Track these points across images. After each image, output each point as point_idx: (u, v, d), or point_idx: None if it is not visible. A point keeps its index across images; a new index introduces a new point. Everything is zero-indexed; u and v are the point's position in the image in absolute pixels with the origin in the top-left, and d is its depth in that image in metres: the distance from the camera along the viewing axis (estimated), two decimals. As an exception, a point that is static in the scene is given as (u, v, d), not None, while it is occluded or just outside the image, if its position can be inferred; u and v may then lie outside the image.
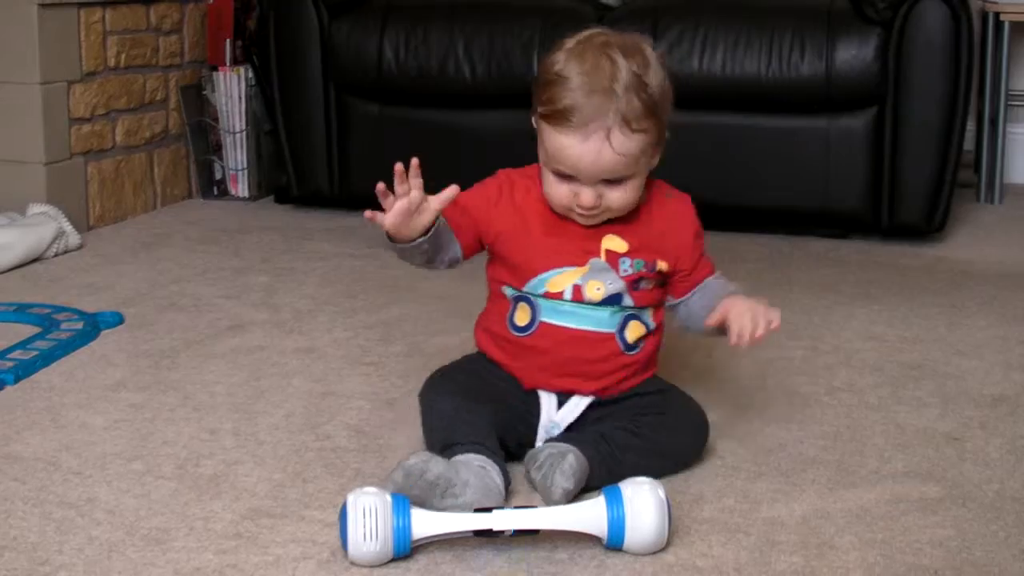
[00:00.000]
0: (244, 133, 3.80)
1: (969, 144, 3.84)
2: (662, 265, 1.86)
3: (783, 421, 2.05)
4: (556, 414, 1.86)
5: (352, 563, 1.54)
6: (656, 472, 1.72)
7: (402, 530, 1.54)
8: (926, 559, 1.58)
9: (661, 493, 1.58)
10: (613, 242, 1.84)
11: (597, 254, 1.83)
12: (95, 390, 2.18)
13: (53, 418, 2.04)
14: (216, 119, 3.82)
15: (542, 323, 1.84)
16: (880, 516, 1.70)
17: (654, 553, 1.58)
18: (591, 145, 1.73)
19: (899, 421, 2.06)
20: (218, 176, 3.87)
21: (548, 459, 1.71)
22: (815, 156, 3.28)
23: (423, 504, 1.61)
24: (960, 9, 3.16)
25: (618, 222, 1.84)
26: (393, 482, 1.63)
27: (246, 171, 3.83)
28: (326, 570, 1.54)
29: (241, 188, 3.85)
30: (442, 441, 1.74)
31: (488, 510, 1.56)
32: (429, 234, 1.76)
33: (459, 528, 1.56)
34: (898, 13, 3.18)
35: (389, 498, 1.55)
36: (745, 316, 1.79)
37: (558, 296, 1.83)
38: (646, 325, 1.87)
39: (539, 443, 1.84)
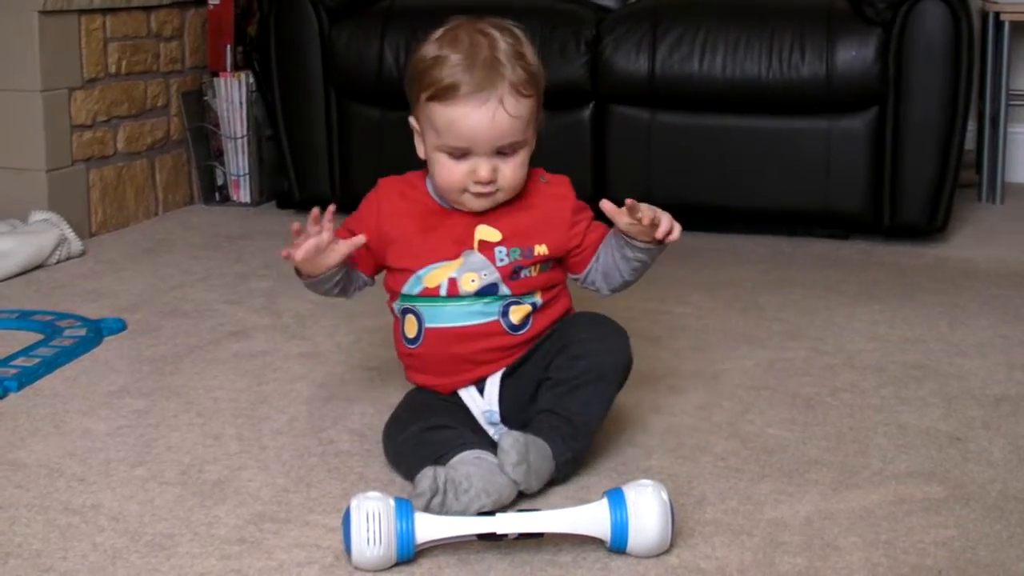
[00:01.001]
0: (245, 139, 3.80)
1: (970, 144, 3.84)
2: (541, 249, 1.86)
3: (786, 422, 2.05)
4: (482, 401, 1.88)
5: (356, 567, 1.54)
6: (603, 396, 1.78)
7: (406, 534, 1.54)
8: (930, 559, 1.58)
9: (664, 495, 1.58)
10: (486, 232, 1.85)
11: (470, 246, 1.85)
12: (98, 396, 2.18)
13: (56, 425, 2.05)
14: (217, 125, 3.82)
15: (427, 329, 1.87)
16: (884, 517, 1.70)
17: (658, 555, 1.58)
18: (486, 110, 1.77)
19: (902, 421, 2.06)
20: (220, 182, 3.87)
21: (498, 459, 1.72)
22: (816, 157, 3.28)
23: (448, 511, 1.61)
24: (960, 9, 3.16)
25: (491, 213, 1.85)
26: (417, 507, 1.61)
27: (248, 176, 3.83)
28: (330, 575, 1.54)
29: (243, 194, 3.85)
30: (429, 457, 1.73)
31: (491, 513, 1.56)
32: (339, 268, 1.86)
33: (463, 532, 1.56)
34: (898, 13, 3.18)
35: (392, 502, 1.55)
36: (644, 208, 1.79)
37: (435, 292, 1.85)
38: (531, 304, 1.87)
39: (490, 433, 1.87)
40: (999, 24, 3.81)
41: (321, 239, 1.81)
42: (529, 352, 1.87)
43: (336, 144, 3.60)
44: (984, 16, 3.84)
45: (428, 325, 1.87)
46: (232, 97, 3.79)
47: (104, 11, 3.41)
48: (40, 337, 2.46)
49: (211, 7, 3.82)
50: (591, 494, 1.73)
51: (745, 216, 3.39)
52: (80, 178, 3.36)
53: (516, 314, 1.86)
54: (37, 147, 3.24)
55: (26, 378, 2.22)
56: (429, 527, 1.55)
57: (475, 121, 1.77)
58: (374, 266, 1.94)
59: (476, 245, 1.84)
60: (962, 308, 2.71)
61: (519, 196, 1.87)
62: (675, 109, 3.32)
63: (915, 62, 3.19)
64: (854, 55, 3.19)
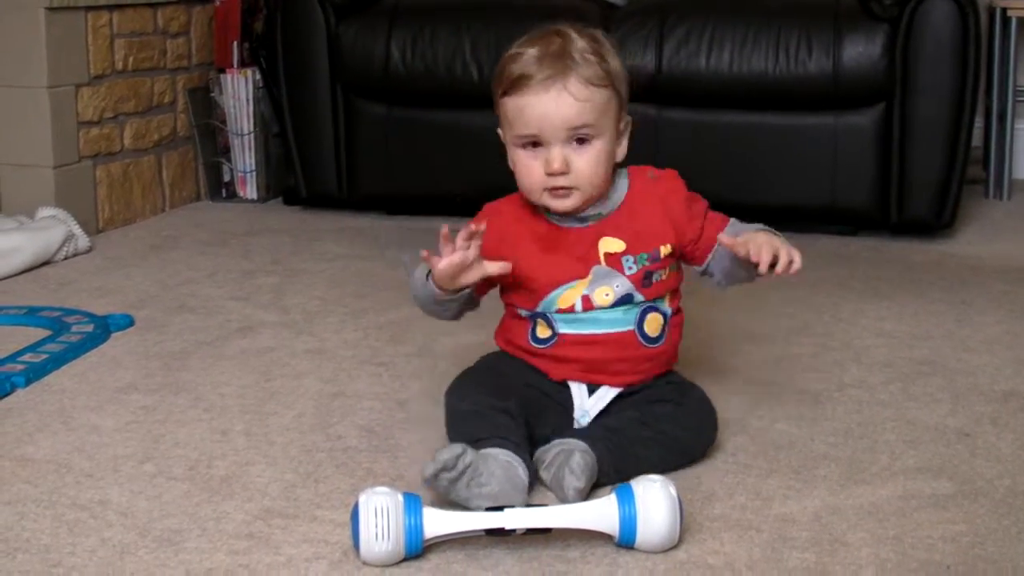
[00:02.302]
0: (252, 135, 3.81)
1: (977, 140, 3.83)
2: (666, 249, 1.85)
3: (794, 418, 2.05)
4: (587, 401, 1.87)
5: (364, 563, 1.54)
6: (662, 465, 1.74)
7: (414, 529, 1.54)
8: (938, 555, 1.58)
9: (672, 491, 1.58)
10: (610, 244, 1.84)
11: (597, 261, 1.84)
12: (106, 392, 2.18)
13: (64, 420, 2.05)
14: (224, 121, 3.82)
15: (561, 334, 1.86)
16: (892, 512, 1.70)
17: (666, 551, 1.58)
18: (551, 95, 1.77)
19: (910, 417, 2.06)
20: (226, 178, 3.88)
21: (556, 458, 1.72)
22: (823, 153, 3.28)
23: (447, 494, 1.62)
24: (967, 5, 3.16)
25: (608, 223, 1.85)
26: (424, 471, 1.63)
27: (254, 173, 3.83)
28: (338, 570, 1.54)
29: (249, 190, 3.85)
30: (468, 436, 1.73)
31: (500, 509, 1.56)
32: (470, 290, 1.82)
33: (471, 527, 1.56)
34: (905, 10, 3.17)
35: (401, 497, 1.55)
36: (764, 249, 1.76)
37: (570, 310, 1.84)
38: (663, 314, 1.87)
39: (576, 426, 1.86)
40: (1006, 20, 3.80)
41: (469, 255, 1.76)
42: (650, 383, 1.87)
43: (343, 140, 3.60)
44: (991, 12, 3.84)
45: (563, 331, 1.86)
46: (239, 94, 3.79)
47: (111, 7, 3.41)
48: (48, 333, 2.46)
49: (217, 3, 3.82)
50: (600, 489, 1.72)
51: (752, 212, 3.34)
52: (87, 174, 3.37)
53: (651, 324, 1.86)
54: (44, 143, 3.24)
55: (34, 374, 2.22)
56: (437, 522, 1.55)
57: (541, 108, 1.77)
58: (487, 289, 1.90)
59: (603, 259, 1.84)
60: (969, 304, 2.71)
61: (629, 196, 1.86)
62: (682, 105, 3.32)
63: (922, 58, 3.19)
64: (861, 51, 3.18)
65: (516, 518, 1.55)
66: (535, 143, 1.80)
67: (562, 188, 1.80)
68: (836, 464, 1.86)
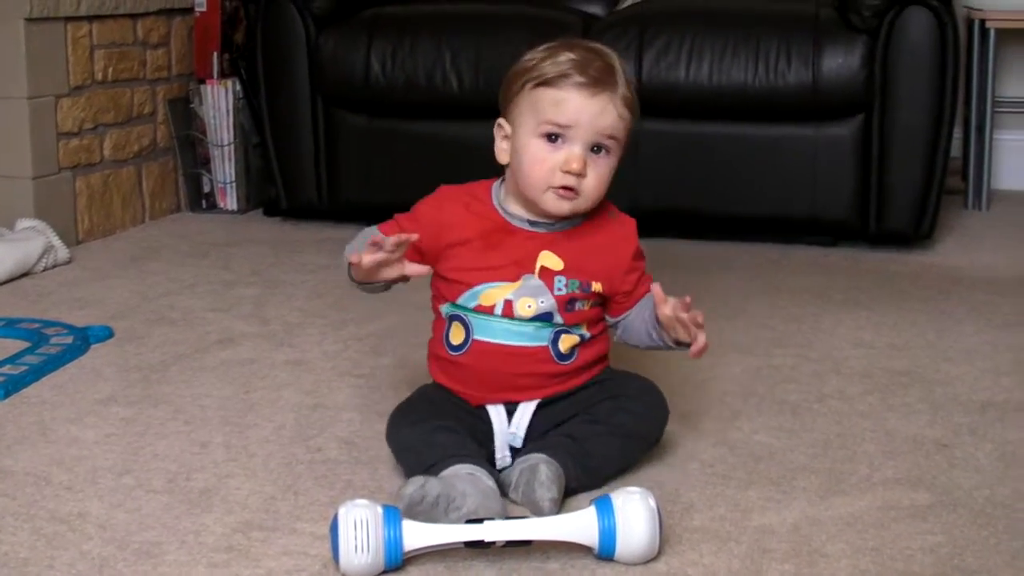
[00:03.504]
0: (232, 146, 3.80)
1: (956, 151, 3.85)
2: (597, 287, 1.86)
3: (773, 429, 2.05)
4: (509, 425, 1.87)
5: (344, 575, 1.54)
6: (627, 455, 1.77)
7: (393, 542, 1.54)
8: (917, 566, 1.59)
9: (652, 502, 1.58)
10: (549, 259, 1.84)
11: (531, 270, 1.84)
12: (85, 404, 2.17)
13: (43, 432, 2.04)
14: (204, 132, 3.82)
15: (475, 341, 1.85)
16: (871, 523, 1.70)
17: (645, 562, 1.58)
18: (597, 101, 1.78)
19: (889, 428, 2.06)
20: (206, 189, 3.87)
21: (522, 475, 1.73)
22: (802, 164, 3.29)
23: (432, 521, 1.61)
24: (945, 16, 3.17)
25: (556, 238, 1.85)
26: (400, 508, 1.62)
27: (234, 184, 3.83)
28: (318, 583, 1.54)
29: (230, 201, 3.85)
30: (421, 465, 1.73)
31: (480, 521, 1.56)
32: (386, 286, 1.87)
33: (451, 539, 1.56)
34: (884, 21, 3.19)
35: (380, 510, 1.55)
36: (678, 329, 1.81)
37: (489, 310, 1.84)
38: (580, 336, 1.87)
39: (499, 454, 1.86)
40: (984, 31, 3.82)
41: (390, 258, 1.79)
42: (571, 391, 1.87)
43: (323, 152, 3.60)
44: (969, 23, 3.86)
45: (476, 337, 1.85)
46: (219, 105, 3.79)
47: (90, 18, 3.40)
48: (27, 345, 2.46)
49: (198, 15, 3.81)
50: (579, 501, 1.73)
51: (731, 223, 3.40)
52: (67, 186, 3.36)
53: (565, 343, 1.85)
54: (23, 154, 3.24)
55: (12, 386, 2.22)
56: (417, 535, 1.55)
57: (585, 105, 1.78)
58: (420, 255, 1.89)
59: (537, 271, 1.84)
60: (949, 315, 2.72)
61: (587, 222, 1.87)
62: (662, 117, 3.32)
63: (901, 69, 3.20)
64: (840, 62, 3.20)
65: (496, 530, 1.55)
66: (555, 138, 1.80)
67: (569, 190, 1.80)
68: (815, 475, 1.87)
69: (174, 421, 2.10)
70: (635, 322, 1.90)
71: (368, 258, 1.78)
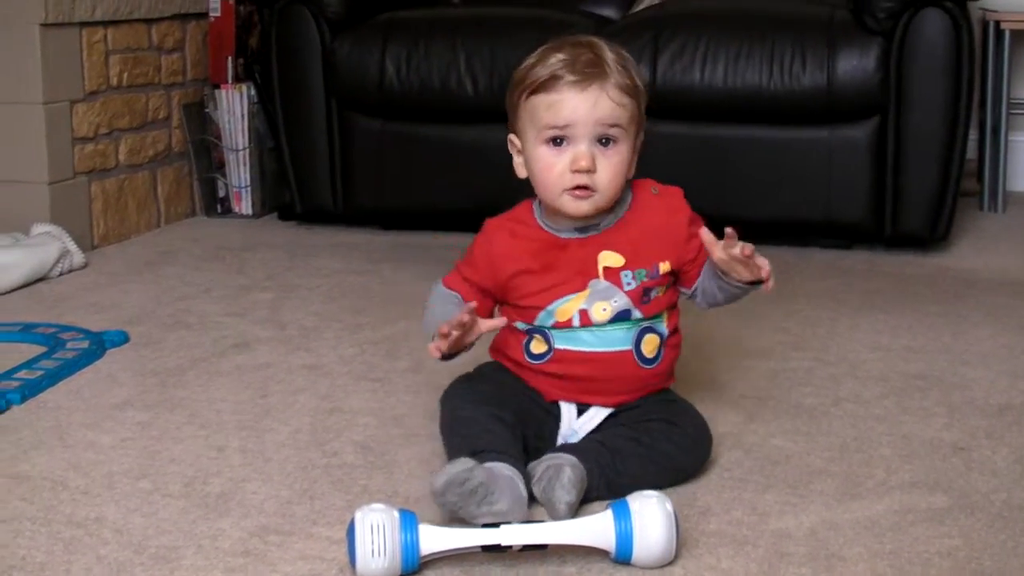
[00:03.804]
0: (247, 151, 3.81)
1: (971, 153, 3.84)
2: (665, 266, 1.86)
3: (790, 433, 2.05)
4: (576, 422, 1.88)
5: (360, 580, 1.54)
6: (655, 483, 1.73)
7: (410, 546, 1.54)
8: (934, 570, 1.58)
9: (669, 506, 1.58)
10: (609, 258, 1.84)
11: (595, 275, 1.84)
12: (102, 409, 2.18)
13: (60, 437, 2.05)
14: (219, 137, 3.83)
15: (557, 350, 1.86)
16: (888, 527, 1.70)
17: (662, 566, 1.58)
18: (589, 94, 1.79)
19: (905, 432, 2.06)
20: (221, 194, 3.88)
21: (546, 472, 1.72)
22: (817, 167, 3.28)
23: (457, 510, 1.61)
24: (961, 18, 3.17)
25: (608, 236, 1.85)
26: (433, 486, 1.62)
27: (249, 188, 3.83)
28: (335, 587, 1.54)
29: (244, 205, 3.85)
30: (469, 447, 1.72)
31: (496, 525, 1.56)
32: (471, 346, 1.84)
33: (467, 544, 1.56)
34: (899, 23, 3.18)
35: (397, 514, 1.55)
36: (737, 268, 1.81)
37: (567, 324, 1.84)
38: (660, 335, 1.87)
39: (558, 443, 1.86)
40: (999, 33, 3.81)
41: (464, 326, 1.77)
42: (640, 401, 1.87)
43: (337, 156, 3.60)
44: (984, 25, 3.85)
45: (559, 346, 1.86)
46: (233, 109, 3.80)
47: (105, 23, 3.41)
48: (43, 350, 2.46)
49: (212, 19, 3.82)
50: (595, 505, 1.72)
51: (746, 226, 3.35)
52: (82, 190, 3.37)
53: (648, 345, 1.86)
54: (39, 160, 3.24)
55: (29, 391, 2.22)
56: (433, 539, 1.55)
57: (577, 103, 1.78)
58: (492, 308, 1.92)
59: (601, 273, 1.84)
60: (965, 318, 2.71)
61: (631, 210, 1.87)
62: (676, 119, 3.32)
63: (916, 71, 3.20)
64: (855, 64, 3.19)
65: (513, 534, 1.55)
66: (560, 141, 1.80)
67: (584, 188, 1.80)
68: (832, 479, 1.86)
69: (190, 425, 2.10)
70: (706, 282, 1.89)
71: (446, 344, 1.78)
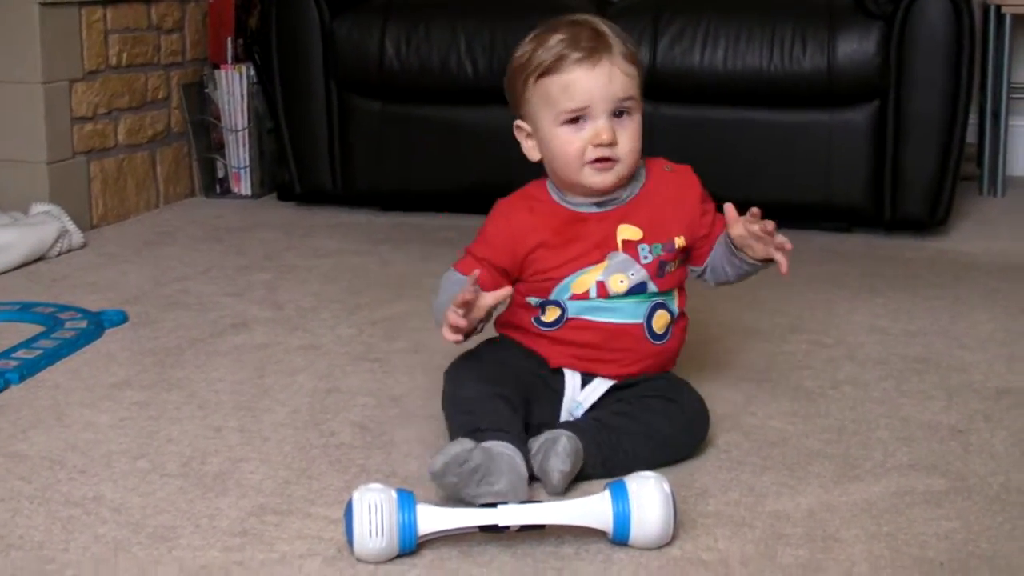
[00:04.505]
0: (246, 131, 3.80)
1: (971, 137, 3.83)
2: (680, 241, 1.88)
3: (787, 415, 2.05)
4: (580, 393, 1.88)
5: (358, 559, 1.54)
6: (651, 461, 1.74)
7: (408, 526, 1.54)
8: (932, 552, 1.58)
9: (666, 487, 1.58)
10: (628, 231, 1.86)
11: (614, 247, 1.85)
12: (100, 388, 2.18)
13: (58, 417, 2.05)
14: (218, 117, 3.82)
15: (571, 319, 1.87)
16: (885, 509, 1.70)
17: (660, 547, 1.58)
18: (600, 70, 1.80)
19: (903, 414, 2.06)
20: (220, 174, 3.87)
21: (543, 445, 1.72)
22: (817, 150, 3.28)
23: (457, 491, 1.62)
24: (961, 2, 3.16)
25: (627, 209, 1.87)
26: (432, 467, 1.62)
27: (248, 169, 3.83)
28: (332, 567, 1.54)
29: (243, 186, 3.85)
30: (469, 425, 1.73)
31: (493, 505, 1.56)
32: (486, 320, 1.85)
33: (465, 523, 1.56)
34: (899, 6, 3.17)
35: (394, 494, 1.55)
36: (754, 246, 1.85)
37: (584, 296, 1.85)
38: (671, 312, 1.89)
39: (562, 418, 1.87)
40: (1000, 17, 3.80)
41: (469, 301, 1.77)
42: (643, 379, 1.88)
43: (337, 137, 3.59)
44: (985, 9, 3.84)
45: (572, 316, 1.87)
46: (233, 89, 3.79)
47: (104, 3, 3.40)
48: (41, 329, 2.46)
49: (212, -1, 3.82)
50: (593, 486, 1.72)
51: (745, 208, 3.38)
52: (81, 170, 3.36)
53: (659, 321, 1.88)
54: (38, 139, 3.24)
55: (27, 370, 2.22)
56: (431, 519, 1.55)
57: (591, 81, 1.80)
58: (506, 278, 1.90)
59: (620, 246, 1.85)
60: (963, 301, 2.71)
61: (646, 185, 1.89)
62: (677, 102, 3.31)
63: (916, 55, 3.19)
64: (855, 48, 3.18)
65: (510, 515, 1.55)
66: (576, 119, 1.81)
67: (607, 160, 1.81)
68: (830, 461, 1.86)
69: (188, 405, 2.10)
70: (717, 260, 1.92)
71: (457, 323, 1.78)
